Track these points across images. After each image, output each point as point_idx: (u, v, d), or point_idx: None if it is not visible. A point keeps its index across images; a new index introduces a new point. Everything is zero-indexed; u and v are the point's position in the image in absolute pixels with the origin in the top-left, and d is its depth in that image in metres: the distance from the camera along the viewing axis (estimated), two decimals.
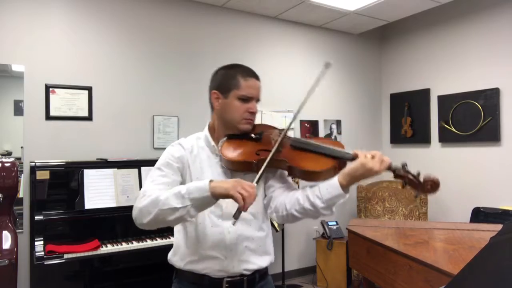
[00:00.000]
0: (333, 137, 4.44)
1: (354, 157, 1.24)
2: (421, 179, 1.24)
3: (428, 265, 1.63)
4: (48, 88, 2.99)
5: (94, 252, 2.56)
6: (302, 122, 4.23)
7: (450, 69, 4.06)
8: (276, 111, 3.96)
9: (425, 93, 4.27)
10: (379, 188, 4.17)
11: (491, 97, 3.66)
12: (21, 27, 2.92)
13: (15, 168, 2.37)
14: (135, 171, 2.96)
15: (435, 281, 1.57)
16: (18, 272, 2.26)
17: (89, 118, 3.14)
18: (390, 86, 4.78)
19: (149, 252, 2.74)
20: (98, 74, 3.20)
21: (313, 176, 1.28)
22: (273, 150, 1.27)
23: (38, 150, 2.92)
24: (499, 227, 0.88)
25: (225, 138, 1.37)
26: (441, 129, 4.09)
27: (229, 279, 1.32)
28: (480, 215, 3.48)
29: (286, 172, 1.39)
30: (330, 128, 4.46)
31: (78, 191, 2.77)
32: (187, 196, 1.15)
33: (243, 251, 1.33)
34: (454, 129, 3.95)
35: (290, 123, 1.38)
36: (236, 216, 1.11)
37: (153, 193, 1.21)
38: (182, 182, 1.36)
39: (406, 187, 1.27)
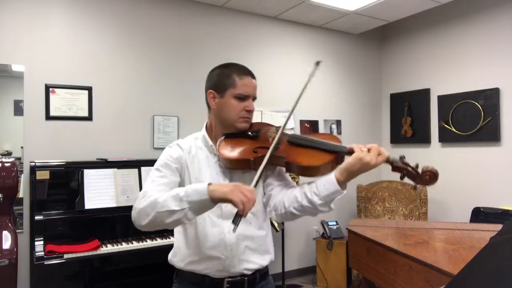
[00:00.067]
0: None
1: (350, 151, 1.23)
2: (420, 171, 1.23)
3: (428, 265, 1.63)
4: (48, 88, 2.99)
5: (94, 252, 2.56)
6: (302, 122, 4.23)
7: (450, 69, 4.06)
8: (276, 111, 3.96)
9: (425, 93, 4.27)
10: (379, 188, 4.17)
11: (491, 97, 3.66)
12: (21, 27, 2.92)
13: (15, 168, 2.37)
14: (135, 171, 2.96)
15: (435, 281, 1.57)
16: (18, 272, 2.26)
17: (89, 118, 3.14)
18: (390, 86, 4.78)
19: (149, 252, 2.74)
20: (98, 74, 3.20)
21: (310, 171, 1.27)
22: (272, 147, 1.27)
23: (38, 150, 2.92)
24: (499, 227, 0.88)
25: (222, 138, 1.37)
26: (441, 129, 4.09)
27: (230, 279, 1.32)
28: (480, 215, 3.48)
29: (284, 170, 1.38)
30: (330, 128, 4.46)
31: (78, 191, 2.77)
32: (185, 198, 1.15)
33: (243, 250, 1.33)
34: (454, 129, 3.95)
35: (287, 120, 1.37)
36: (236, 221, 1.09)
37: (152, 195, 1.21)
38: (181, 183, 1.36)
39: (404, 179, 1.25)
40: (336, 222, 4.11)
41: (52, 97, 3.00)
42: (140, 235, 2.84)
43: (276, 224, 3.43)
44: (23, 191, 2.83)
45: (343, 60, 4.60)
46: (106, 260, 2.70)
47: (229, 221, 1.29)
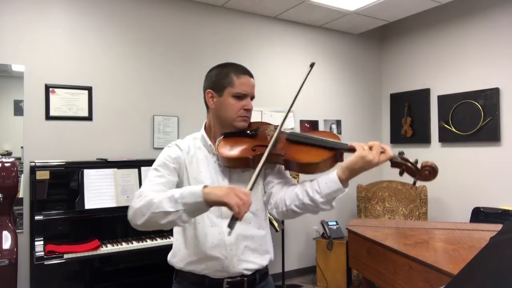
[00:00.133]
0: None
1: (350, 148, 1.23)
2: (419, 166, 1.22)
3: (428, 265, 1.63)
4: (48, 88, 2.99)
5: (94, 252, 2.56)
6: (302, 122, 4.23)
7: (450, 69, 4.06)
8: (276, 111, 3.96)
9: (425, 93, 4.27)
10: (379, 188, 4.17)
11: (491, 97, 3.66)
12: (21, 27, 2.92)
13: (15, 168, 2.37)
14: (135, 171, 2.96)
15: (435, 281, 1.57)
16: (18, 272, 2.26)
17: (89, 118, 3.14)
18: (390, 86, 4.78)
19: (149, 252, 2.74)
20: (98, 74, 3.20)
21: (310, 168, 1.27)
22: (270, 145, 1.27)
23: (38, 150, 2.92)
24: (499, 227, 0.88)
25: (221, 137, 1.37)
26: (441, 129, 4.09)
27: (229, 279, 1.32)
28: (480, 215, 3.48)
29: (283, 167, 1.38)
30: (330, 128, 4.46)
31: (78, 191, 2.77)
32: (180, 200, 1.14)
33: (243, 250, 1.33)
34: (454, 129, 3.95)
35: (284, 118, 1.37)
36: (231, 225, 1.08)
37: (148, 195, 1.21)
38: (179, 183, 1.36)
39: (403, 175, 1.23)
40: (336, 222, 4.11)
41: (52, 97, 3.00)
42: (140, 235, 2.84)
43: (276, 224, 3.43)
44: (23, 191, 2.83)
45: (343, 60, 4.60)
46: (106, 260, 2.70)
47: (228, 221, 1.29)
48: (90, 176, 2.82)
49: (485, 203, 3.58)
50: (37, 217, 2.61)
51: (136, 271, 2.82)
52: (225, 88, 1.36)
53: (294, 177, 1.46)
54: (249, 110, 1.38)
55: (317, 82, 4.36)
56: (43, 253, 2.44)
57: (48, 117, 2.98)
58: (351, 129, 4.61)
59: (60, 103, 3.03)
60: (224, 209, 1.30)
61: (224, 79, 1.36)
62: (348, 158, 1.23)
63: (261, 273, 1.39)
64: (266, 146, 1.27)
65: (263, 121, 1.55)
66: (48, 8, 3.02)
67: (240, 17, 3.92)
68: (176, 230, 1.41)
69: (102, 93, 3.20)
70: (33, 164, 2.74)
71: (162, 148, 1.44)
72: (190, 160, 1.37)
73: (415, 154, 4.27)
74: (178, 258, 1.37)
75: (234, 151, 1.32)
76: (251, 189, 1.15)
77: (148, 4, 3.44)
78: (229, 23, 3.85)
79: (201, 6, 3.69)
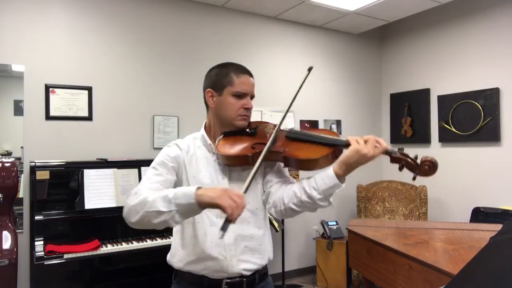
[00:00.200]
0: None
1: (348, 144, 1.22)
2: (418, 161, 1.21)
3: (428, 265, 1.63)
4: (48, 88, 2.99)
5: (94, 252, 2.56)
6: (302, 122, 4.23)
7: (450, 69, 4.06)
8: (276, 111, 3.96)
9: (425, 93, 4.27)
10: (379, 188, 4.17)
11: (491, 97, 3.66)
12: (21, 27, 2.92)
13: (15, 168, 2.37)
14: (135, 171, 2.96)
15: (435, 281, 1.57)
16: (18, 272, 2.26)
17: (89, 118, 3.14)
18: (390, 86, 4.78)
19: (149, 252, 2.74)
20: (98, 74, 3.20)
21: (309, 165, 1.27)
22: (269, 142, 1.27)
23: (38, 150, 2.92)
24: (499, 227, 0.88)
25: (221, 136, 1.38)
26: (441, 129, 4.09)
27: (228, 280, 1.31)
28: (480, 215, 3.48)
29: (282, 165, 1.38)
30: (330, 128, 4.46)
31: (78, 191, 2.77)
32: (173, 201, 1.14)
33: (242, 250, 1.33)
34: (454, 129, 3.95)
35: (284, 116, 1.38)
36: (224, 228, 1.06)
37: (143, 193, 1.21)
38: (178, 182, 1.36)
39: (403, 170, 1.22)
40: (336, 222, 4.11)
41: (52, 97, 3.00)
42: (140, 235, 2.84)
43: (276, 224, 3.43)
44: (23, 191, 2.83)
45: (343, 60, 4.60)
46: (106, 260, 2.70)
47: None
48: (90, 176, 2.82)
49: (485, 203, 3.58)
50: (37, 217, 2.61)
51: (136, 271, 2.82)
52: (225, 87, 1.36)
53: (294, 177, 1.46)
54: (249, 109, 1.38)
55: (317, 82, 4.36)
56: (43, 253, 2.44)
57: (48, 117, 2.98)
58: (351, 129, 4.61)
59: (60, 103, 3.03)
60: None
61: (224, 78, 1.37)
62: (344, 152, 1.23)
63: (261, 274, 1.39)
64: (266, 144, 1.28)
65: (263, 120, 1.55)
66: (48, 8, 3.02)
67: (240, 17, 3.92)
68: (175, 229, 1.41)
69: (102, 93, 3.20)
70: (33, 164, 2.74)
71: (162, 148, 1.44)
72: (189, 160, 1.38)
73: (415, 154, 4.28)
74: (177, 258, 1.37)
75: (234, 149, 1.32)
76: (245, 191, 1.14)
77: (148, 4, 3.44)
78: (229, 23, 3.85)
79: (201, 6, 3.69)
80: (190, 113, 3.55)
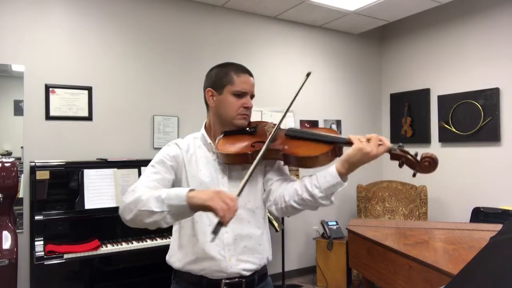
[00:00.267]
0: None
1: (349, 142, 1.22)
2: (418, 158, 1.21)
3: (428, 265, 1.63)
4: (48, 88, 2.99)
5: (94, 252, 2.56)
6: (302, 122, 4.23)
7: (450, 69, 4.06)
8: (276, 111, 3.96)
9: (425, 93, 4.27)
10: (379, 188, 4.17)
11: (491, 97, 3.66)
12: (21, 27, 2.92)
13: (15, 168, 2.37)
14: (135, 171, 2.96)
15: (435, 281, 1.57)
16: (18, 272, 2.26)
17: (89, 118, 3.14)
18: (390, 86, 4.78)
19: (149, 252, 2.74)
20: (98, 74, 3.20)
21: (308, 162, 1.26)
22: (268, 140, 1.27)
23: (38, 150, 2.92)
24: (499, 227, 0.88)
25: (221, 136, 1.38)
26: (441, 129, 4.09)
27: (227, 281, 1.31)
28: (480, 215, 3.48)
29: (283, 163, 1.38)
30: (330, 128, 4.47)
31: (78, 191, 2.77)
32: (166, 201, 1.13)
33: (241, 250, 1.32)
34: (454, 129, 3.95)
35: (284, 115, 1.38)
36: (216, 231, 1.04)
37: (139, 191, 1.21)
38: (177, 181, 1.37)
39: (403, 167, 1.22)
40: (336, 222, 4.11)
41: (52, 97, 3.00)
42: (140, 235, 2.84)
43: (276, 224, 3.43)
44: (23, 191, 2.83)
45: (343, 60, 4.60)
46: (106, 260, 2.70)
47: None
48: (90, 176, 2.82)
49: (485, 203, 3.58)
50: (37, 217, 2.61)
51: (136, 271, 2.82)
52: (225, 86, 1.36)
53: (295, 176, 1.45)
54: (248, 108, 1.38)
55: (317, 82, 4.36)
56: (43, 253, 2.44)
57: (48, 117, 2.98)
58: (351, 129, 4.61)
59: (60, 103, 3.03)
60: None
61: (224, 77, 1.37)
62: (346, 151, 1.23)
63: (260, 274, 1.38)
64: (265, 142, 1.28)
65: (263, 120, 1.55)
66: (48, 8, 3.02)
67: (240, 17, 3.92)
68: (175, 229, 1.41)
69: (102, 93, 3.20)
70: (33, 164, 2.74)
71: (162, 148, 1.45)
72: (189, 159, 1.38)
73: (415, 151, 4.28)
74: (176, 258, 1.37)
75: (233, 147, 1.32)
76: (239, 194, 1.13)
77: (148, 4, 3.44)
78: (229, 23, 3.85)
79: (201, 6, 3.69)
80: (190, 113, 3.55)
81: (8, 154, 2.87)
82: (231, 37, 3.86)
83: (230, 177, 1.37)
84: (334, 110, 4.52)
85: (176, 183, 1.37)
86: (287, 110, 1.37)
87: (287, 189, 1.30)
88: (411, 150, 1.24)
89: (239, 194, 1.13)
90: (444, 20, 4.11)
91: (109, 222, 2.77)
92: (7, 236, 2.25)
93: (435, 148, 4.18)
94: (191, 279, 1.33)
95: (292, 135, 1.34)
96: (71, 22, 3.11)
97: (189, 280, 1.34)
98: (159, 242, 2.79)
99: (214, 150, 1.38)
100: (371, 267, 2.13)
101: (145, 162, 3.02)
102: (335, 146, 1.25)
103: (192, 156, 1.38)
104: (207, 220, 1.32)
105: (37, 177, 2.71)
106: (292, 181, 1.35)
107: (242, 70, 1.39)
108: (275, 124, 1.39)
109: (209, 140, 1.41)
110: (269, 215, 2.09)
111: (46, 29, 3.01)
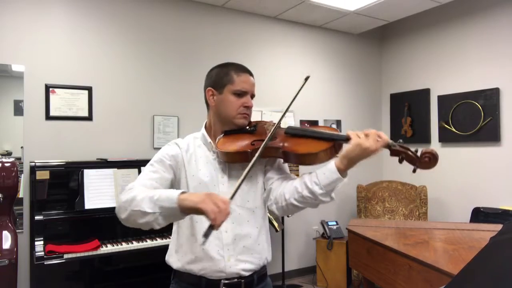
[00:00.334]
0: None
1: (348, 138, 1.22)
2: (418, 154, 1.20)
3: (428, 265, 1.63)
4: (48, 88, 2.99)
5: (94, 252, 2.56)
6: (302, 122, 4.23)
7: (450, 69, 4.06)
8: (276, 111, 3.96)
9: (425, 93, 4.27)
10: (379, 188, 4.17)
11: (491, 97, 3.66)
12: (21, 27, 2.92)
13: (15, 168, 2.37)
14: (135, 171, 2.97)
15: (435, 281, 1.57)
16: (18, 272, 2.26)
17: (89, 118, 3.14)
18: (390, 86, 4.78)
19: (149, 252, 2.74)
20: (98, 74, 3.20)
21: (308, 159, 1.26)
22: (267, 137, 1.27)
23: (38, 150, 2.92)
24: (499, 227, 0.88)
25: (222, 135, 1.38)
26: (441, 129, 4.09)
27: (227, 281, 1.30)
28: (480, 215, 3.48)
29: (282, 161, 1.38)
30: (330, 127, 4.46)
31: (78, 191, 2.77)
32: (158, 203, 1.13)
33: (241, 250, 1.32)
34: (454, 129, 3.95)
35: (283, 115, 1.38)
36: (207, 234, 1.03)
37: (135, 190, 1.21)
38: (176, 181, 1.37)
39: (403, 163, 1.21)
40: (336, 222, 4.11)
41: (52, 97, 3.00)
42: (140, 235, 2.84)
43: (276, 224, 3.43)
44: (23, 191, 2.83)
45: (343, 60, 4.60)
46: (106, 260, 2.70)
47: (227, 220, 1.29)
48: (90, 176, 2.82)
49: (485, 203, 3.58)
50: (37, 217, 2.61)
51: (136, 271, 2.82)
52: (225, 86, 1.37)
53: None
54: (249, 108, 1.39)
55: (317, 82, 4.36)
56: (43, 253, 2.44)
57: (48, 117, 2.98)
58: (351, 129, 4.57)
59: (60, 103, 3.03)
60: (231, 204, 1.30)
61: (224, 77, 1.37)
62: (345, 147, 1.23)
63: (259, 275, 1.38)
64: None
65: (263, 120, 1.56)
66: (48, 8, 3.02)
67: (240, 17, 3.92)
68: (174, 229, 1.41)
69: (102, 93, 3.20)
70: (33, 164, 2.74)
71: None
72: (189, 159, 1.38)
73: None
74: (175, 258, 1.37)
75: (233, 146, 1.33)
76: (232, 197, 1.12)
77: (148, 4, 3.44)
78: (229, 23, 3.85)
79: (201, 6, 3.69)
80: (190, 113, 3.55)
81: (8, 154, 2.87)
82: (231, 37, 3.86)
83: (230, 176, 1.37)
84: (334, 110, 4.52)
85: (175, 183, 1.38)
86: (286, 111, 1.38)
87: (287, 187, 1.30)
88: (412, 149, 1.24)
89: (232, 197, 1.12)
90: (444, 20, 4.11)
91: (109, 222, 2.77)
92: (7, 236, 2.25)
93: (435, 148, 4.16)
94: (191, 279, 1.33)
95: (291, 133, 1.35)
96: (71, 22, 3.11)
97: (188, 280, 1.34)
98: (159, 242, 2.79)
99: (214, 149, 1.38)
100: (371, 267, 2.13)
101: (145, 162, 2.98)
102: (334, 143, 1.26)
103: (192, 155, 1.38)
104: (206, 220, 1.31)
105: (37, 177, 2.71)
106: (292, 179, 1.35)
107: (242, 69, 1.40)
108: (275, 123, 1.39)
109: (209, 140, 1.41)
110: (269, 215, 2.09)
111: (46, 29, 3.01)
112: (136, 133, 3.35)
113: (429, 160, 1.18)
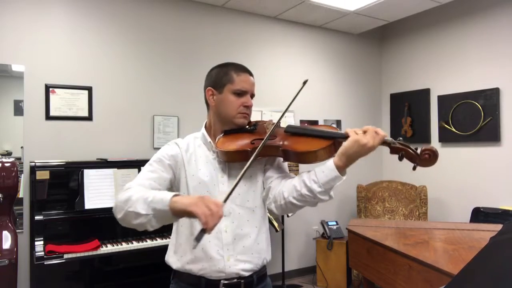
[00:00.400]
0: None
1: (347, 136, 1.22)
2: (418, 151, 1.20)
3: (428, 265, 1.63)
4: (48, 88, 2.99)
5: (94, 252, 2.56)
6: (302, 122, 4.23)
7: (450, 69, 4.06)
8: (276, 111, 3.96)
9: (425, 93, 4.27)
10: (379, 188, 4.17)
11: (491, 97, 3.66)
12: (21, 27, 2.92)
13: (15, 168, 2.37)
14: (135, 171, 2.97)
15: (435, 281, 1.57)
16: (18, 272, 2.26)
17: (89, 118, 3.14)
18: (390, 86, 4.78)
19: (149, 252, 2.75)
20: (98, 74, 3.20)
21: (308, 157, 1.26)
22: (267, 136, 1.28)
23: (38, 150, 2.92)
24: (499, 227, 0.88)
25: (221, 135, 1.39)
26: (441, 129, 4.09)
27: (226, 281, 1.30)
28: (480, 215, 3.48)
29: (282, 159, 1.38)
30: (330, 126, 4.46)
31: (78, 191, 2.77)
32: (151, 204, 1.13)
33: (240, 250, 1.32)
34: (454, 129, 3.95)
35: (283, 114, 1.38)
36: (198, 238, 1.01)
37: (131, 190, 1.21)
38: (176, 181, 1.37)
39: (403, 160, 1.21)
40: (336, 222, 4.11)
41: (52, 97, 3.00)
42: (140, 235, 2.84)
43: (276, 224, 3.43)
44: (23, 191, 2.83)
45: (343, 60, 4.60)
46: (106, 260, 2.70)
47: (226, 219, 1.29)
48: (90, 176, 2.82)
49: (485, 203, 3.58)
50: (37, 217, 2.61)
51: (136, 271, 2.82)
52: (225, 85, 1.37)
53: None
54: (248, 107, 1.39)
55: (317, 82, 4.36)
56: (43, 253, 2.44)
57: (48, 117, 2.98)
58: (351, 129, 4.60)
59: (60, 103, 3.03)
60: (224, 208, 1.30)
61: (224, 76, 1.38)
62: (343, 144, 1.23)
63: (259, 275, 1.38)
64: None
65: (263, 119, 1.55)
66: (48, 8, 3.02)
67: (240, 17, 3.92)
68: (174, 229, 1.41)
69: (102, 93, 3.20)
70: (33, 164, 2.74)
71: None
72: (188, 158, 1.38)
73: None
74: (174, 258, 1.37)
75: (233, 145, 1.33)
76: (225, 200, 1.12)
77: (148, 4, 3.44)
78: (229, 23, 3.85)
79: (201, 6, 3.69)
80: (190, 113, 3.55)
81: (8, 154, 2.87)
82: (231, 37, 3.86)
83: (230, 175, 1.37)
84: (334, 110, 4.52)
85: (175, 183, 1.38)
86: (285, 111, 1.38)
87: (286, 185, 1.30)
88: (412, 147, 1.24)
89: (225, 200, 1.11)
90: (444, 20, 4.11)
91: (109, 222, 2.75)
92: (7, 236, 2.25)
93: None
94: (190, 279, 1.33)
95: (291, 132, 1.35)
96: (71, 22, 3.11)
97: (188, 280, 1.34)
98: (159, 242, 2.79)
99: (214, 149, 1.38)
100: (371, 267, 2.13)
101: (145, 162, 2.96)
102: (334, 141, 1.26)
103: (192, 155, 1.39)
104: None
105: (37, 177, 2.71)
106: (291, 178, 1.35)
107: (242, 69, 1.40)
108: (275, 122, 1.39)
109: (209, 139, 1.41)
110: (269, 215, 2.09)
111: (46, 29, 3.01)
112: (136, 133, 3.35)
113: (429, 157, 1.18)
